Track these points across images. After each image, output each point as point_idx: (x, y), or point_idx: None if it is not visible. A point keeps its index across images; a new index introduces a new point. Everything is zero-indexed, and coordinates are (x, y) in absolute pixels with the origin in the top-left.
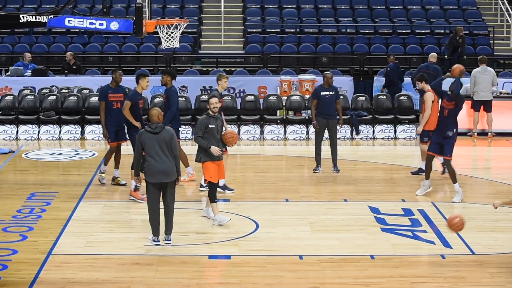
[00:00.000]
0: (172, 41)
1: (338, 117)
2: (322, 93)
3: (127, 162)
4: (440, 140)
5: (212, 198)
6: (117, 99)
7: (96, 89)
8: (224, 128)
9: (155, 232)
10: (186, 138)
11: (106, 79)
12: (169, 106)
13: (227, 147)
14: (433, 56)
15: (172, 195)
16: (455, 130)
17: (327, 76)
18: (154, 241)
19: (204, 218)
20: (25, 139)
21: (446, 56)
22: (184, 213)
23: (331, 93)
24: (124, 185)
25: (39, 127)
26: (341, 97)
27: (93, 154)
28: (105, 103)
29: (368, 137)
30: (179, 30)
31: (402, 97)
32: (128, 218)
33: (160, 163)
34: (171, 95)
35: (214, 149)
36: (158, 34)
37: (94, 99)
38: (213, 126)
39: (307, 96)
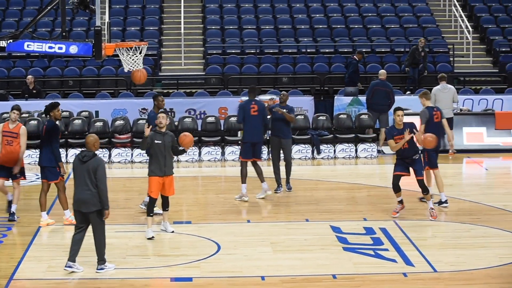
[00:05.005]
0: (135, 65)
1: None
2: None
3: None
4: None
5: (148, 212)
6: None
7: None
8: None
9: (69, 257)
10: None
11: (67, 103)
12: None
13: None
14: (383, 73)
15: (95, 226)
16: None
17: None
18: (65, 265)
19: (166, 241)
20: None
21: (407, 69)
22: (143, 236)
23: (284, 110)
24: None
25: None
26: (302, 117)
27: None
28: None
29: (329, 157)
30: (141, 53)
31: (362, 116)
32: (89, 242)
33: (80, 191)
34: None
35: (146, 131)
36: (118, 56)
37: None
38: (160, 142)
39: (268, 117)
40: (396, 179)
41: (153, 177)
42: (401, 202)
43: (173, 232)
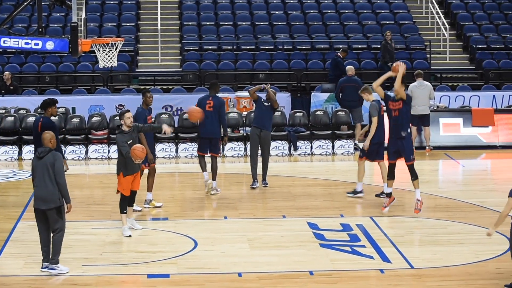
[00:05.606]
0: (110, 61)
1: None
2: (262, 101)
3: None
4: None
5: (121, 209)
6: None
7: (34, 109)
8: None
9: (43, 257)
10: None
11: (43, 99)
12: None
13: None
14: (350, 69)
15: (53, 223)
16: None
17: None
18: (41, 266)
19: (143, 237)
20: None
21: (390, 64)
22: (120, 232)
23: (268, 104)
24: None
25: None
26: (279, 113)
27: (31, 175)
28: None
29: (306, 153)
30: (116, 49)
31: (339, 113)
32: (66, 238)
33: (39, 188)
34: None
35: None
36: (95, 53)
37: (31, 119)
38: (132, 141)
39: (245, 113)
40: (392, 167)
41: (128, 176)
42: (389, 195)
43: (141, 229)
